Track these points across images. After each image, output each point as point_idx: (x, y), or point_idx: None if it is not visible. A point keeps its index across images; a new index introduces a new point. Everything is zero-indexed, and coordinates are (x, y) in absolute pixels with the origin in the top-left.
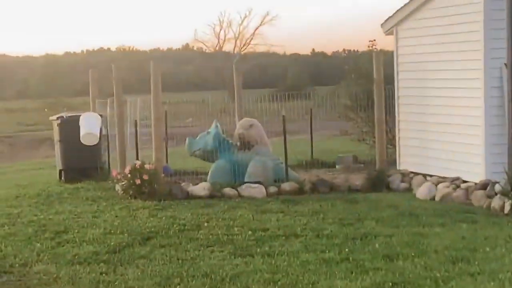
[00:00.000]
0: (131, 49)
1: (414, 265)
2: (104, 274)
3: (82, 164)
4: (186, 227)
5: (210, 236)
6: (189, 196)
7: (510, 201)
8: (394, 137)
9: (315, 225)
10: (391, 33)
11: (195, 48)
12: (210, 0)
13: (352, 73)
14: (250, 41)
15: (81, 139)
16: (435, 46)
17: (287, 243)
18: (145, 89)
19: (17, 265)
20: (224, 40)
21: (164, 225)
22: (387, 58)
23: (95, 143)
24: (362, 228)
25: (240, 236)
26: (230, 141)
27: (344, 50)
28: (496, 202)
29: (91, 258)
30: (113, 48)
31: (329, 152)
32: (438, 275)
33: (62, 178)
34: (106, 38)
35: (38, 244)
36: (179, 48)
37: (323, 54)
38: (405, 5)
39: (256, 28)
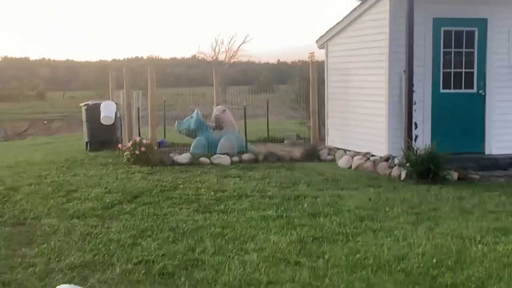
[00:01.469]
0: (157, 57)
1: (332, 222)
2: (94, 227)
3: (102, 137)
4: (166, 188)
5: (183, 196)
6: (174, 163)
7: (404, 170)
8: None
9: (262, 188)
10: (323, 47)
11: (199, 58)
12: (210, 25)
13: (297, 77)
14: (236, 53)
15: (101, 120)
16: (354, 57)
17: (239, 202)
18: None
19: (30, 218)
20: (219, 52)
21: (150, 186)
22: (322, 66)
23: (111, 123)
24: (296, 190)
25: (204, 196)
26: (208, 123)
27: (299, 60)
28: (395, 172)
29: (88, 213)
30: (145, 57)
31: (281, 131)
32: (349, 231)
33: (88, 148)
34: (141, 49)
35: (52, 201)
36: (189, 57)
37: (285, 63)
38: (333, 27)
39: (240, 45)
